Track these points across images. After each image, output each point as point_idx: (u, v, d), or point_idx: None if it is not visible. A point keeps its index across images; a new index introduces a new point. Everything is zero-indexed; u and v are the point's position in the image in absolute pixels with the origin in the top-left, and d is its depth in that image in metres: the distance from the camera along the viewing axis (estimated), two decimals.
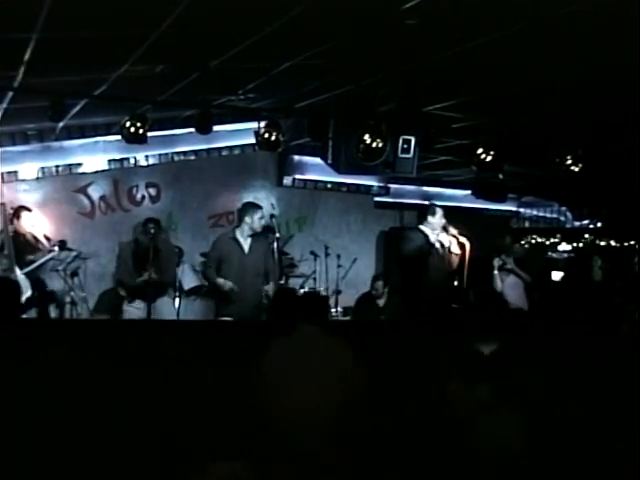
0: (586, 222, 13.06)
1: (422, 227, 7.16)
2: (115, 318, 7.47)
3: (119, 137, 7.52)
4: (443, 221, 7.13)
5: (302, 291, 8.65)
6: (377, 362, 4.65)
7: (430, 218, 7.14)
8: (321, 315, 4.45)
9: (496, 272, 8.14)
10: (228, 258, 7.03)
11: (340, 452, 3.74)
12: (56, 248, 7.95)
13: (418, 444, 3.76)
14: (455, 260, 7.10)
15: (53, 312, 7.92)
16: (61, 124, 8.03)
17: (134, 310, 7.19)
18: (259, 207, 7.28)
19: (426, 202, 11.06)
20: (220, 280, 6.97)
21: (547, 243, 12.61)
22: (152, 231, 7.10)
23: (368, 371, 4.12)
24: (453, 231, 7.08)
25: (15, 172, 8.73)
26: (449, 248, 7.08)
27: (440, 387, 3.89)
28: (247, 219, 7.06)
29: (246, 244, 7.06)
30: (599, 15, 4.11)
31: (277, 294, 5.89)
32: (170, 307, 7.67)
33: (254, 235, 7.10)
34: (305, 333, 4.18)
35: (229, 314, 6.94)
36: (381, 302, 8.13)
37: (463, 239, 7.04)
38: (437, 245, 7.06)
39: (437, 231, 7.10)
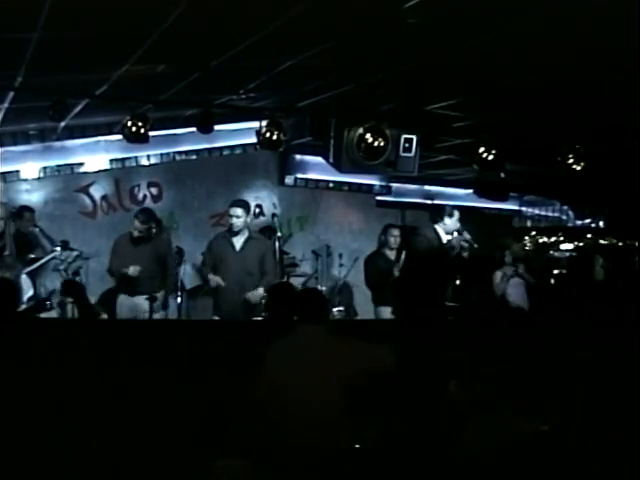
0: (588, 221, 13.05)
1: (436, 227, 7.11)
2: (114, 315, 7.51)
3: (120, 137, 7.54)
4: (458, 225, 7.08)
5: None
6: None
7: (447, 219, 7.08)
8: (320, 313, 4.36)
9: (499, 272, 8.13)
10: (220, 256, 7.09)
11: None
12: (58, 248, 7.94)
13: (420, 445, 3.76)
14: (461, 262, 7.08)
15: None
16: (62, 124, 8.05)
17: (131, 304, 7.24)
18: (243, 203, 7.23)
19: (428, 201, 11.13)
20: (210, 276, 7.04)
21: (549, 242, 12.60)
22: (145, 224, 7.27)
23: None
24: (467, 236, 7.03)
25: (17, 172, 8.76)
26: (458, 251, 7.04)
27: (440, 386, 3.89)
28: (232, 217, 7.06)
29: (238, 242, 7.06)
30: (599, 14, 4.11)
31: (273, 290, 5.90)
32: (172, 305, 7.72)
33: (250, 236, 7.09)
34: (305, 332, 4.14)
35: (220, 314, 6.98)
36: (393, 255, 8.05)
37: (475, 245, 7.00)
38: (447, 247, 7.03)
39: (450, 233, 7.06)
